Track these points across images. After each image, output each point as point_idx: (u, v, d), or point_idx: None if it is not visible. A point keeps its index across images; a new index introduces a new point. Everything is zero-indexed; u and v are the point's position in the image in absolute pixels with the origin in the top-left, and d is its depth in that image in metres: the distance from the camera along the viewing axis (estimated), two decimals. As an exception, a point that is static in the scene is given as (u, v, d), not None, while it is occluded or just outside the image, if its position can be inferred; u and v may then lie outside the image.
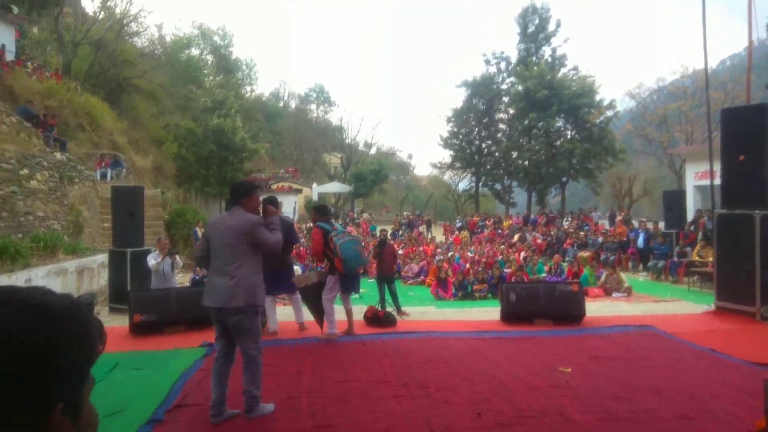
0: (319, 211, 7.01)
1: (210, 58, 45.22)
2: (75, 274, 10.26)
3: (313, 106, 60.96)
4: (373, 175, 40.50)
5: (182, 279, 12.27)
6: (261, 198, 7.29)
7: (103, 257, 10.71)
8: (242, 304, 4.03)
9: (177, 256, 9.05)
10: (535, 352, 6.02)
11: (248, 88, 50.34)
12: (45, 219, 12.35)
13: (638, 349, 6.14)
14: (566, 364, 5.43)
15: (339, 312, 6.93)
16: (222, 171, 29.24)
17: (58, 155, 14.53)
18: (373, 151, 54.03)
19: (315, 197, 41.30)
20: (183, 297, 7.54)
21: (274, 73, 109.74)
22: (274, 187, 36.64)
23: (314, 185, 42.47)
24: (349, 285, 6.83)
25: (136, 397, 4.68)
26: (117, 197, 9.85)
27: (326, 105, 60.52)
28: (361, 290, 13.75)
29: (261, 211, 4.40)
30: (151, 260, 8.72)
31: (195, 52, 42.99)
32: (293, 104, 61.25)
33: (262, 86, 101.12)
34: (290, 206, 33.89)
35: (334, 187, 42.98)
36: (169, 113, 32.03)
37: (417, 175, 62.06)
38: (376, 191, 44.23)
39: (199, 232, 19.45)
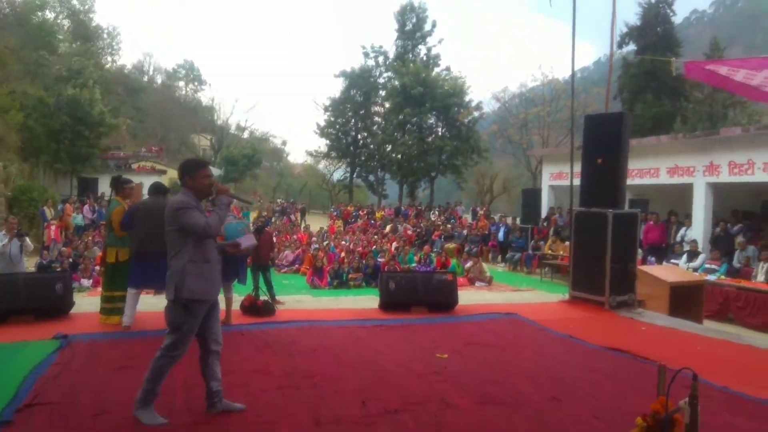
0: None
1: (67, 23, 40.74)
2: None
3: (182, 83, 57.58)
4: (245, 159, 39.23)
5: (28, 264, 10.94)
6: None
7: (-72, 237, 9.21)
8: (172, 297, 3.69)
9: (26, 238, 8.05)
10: (414, 339, 6.18)
11: (109, 59, 46.22)
12: None
13: (506, 335, 6.56)
14: (443, 350, 5.63)
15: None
16: (75, 146, 26.58)
17: None
18: (246, 135, 52.32)
19: (181, 179, 38.97)
20: (32, 283, 6.71)
21: (138, 44, 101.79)
22: (134, 166, 34.00)
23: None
24: (231, 272, 6.51)
25: (-24, 396, 4.07)
26: (-52, 168, 8.52)
27: (196, 83, 57.47)
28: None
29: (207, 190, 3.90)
30: (-4, 241, 7.67)
31: (50, 15, 38.50)
32: (159, 79, 57.33)
33: (125, 58, 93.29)
34: (153, 188, 31.66)
35: (202, 170, 40.89)
36: (15, 79, 28.38)
37: (291, 162, 61.06)
38: (249, 177, 42.89)
39: (48, 211, 17.51)
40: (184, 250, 3.71)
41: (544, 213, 19.33)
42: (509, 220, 19.66)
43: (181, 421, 3.75)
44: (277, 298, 9.09)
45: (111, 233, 6.62)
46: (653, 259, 13.55)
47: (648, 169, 15.96)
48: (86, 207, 20.24)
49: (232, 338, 6.02)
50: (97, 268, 13.06)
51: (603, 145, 8.05)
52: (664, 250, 14.24)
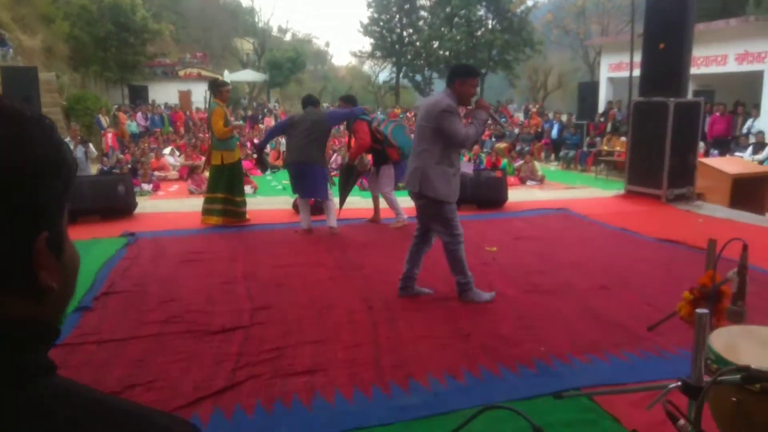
0: (349, 101, 6.57)
1: None
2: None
3: (221, -16, 55.98)
4: (289, 63, 38.60)
5: (92, 170, 11.46)
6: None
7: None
8: (417, 190, 3.83)
9: (90, 144, 8.40)
10: (464, 233, 6.22)
11: (148, -39, 45.14)
12: None
13: (556, 229, 6.53)
14: (492, 244, 5.68)
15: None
16: (122, 54, 26.70)
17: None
18: (288, 37, 51.16)
19: (228, 85, 39.03)
20: (97, 186, 7.08)
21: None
22: (181, 73, 34.15)
23: (226, 72, 39.92)
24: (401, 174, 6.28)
25: (58, 286, 4.43)
26: (8, 79, 8.82)
27: (235, -17, 55.71)
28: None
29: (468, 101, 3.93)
30: (60, 148, 8.03)
31: None
32: (198, -19, 55.87)
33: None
34: (200, 95, 31.91)
35: (247, 75, 40.72)
36: (55, -13, 28.23)
37: (335, 65, 59.73)
38: (293, 81, 42.45)
39: (103, 119, 18.00)
40: (433, 151, 3.78)
41: (601, 108, 18.47)
42: (564, 117, 18.90)
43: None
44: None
45: (214, 137, 6.51)
46: (716, 152, 12.91)
47: (715, 56, 14.82)
48: (139, 114, 20.69)
49: (285, 234, 6.25)
50: (156, 173, 13.59)
51: (665, 30, 7.44)
52: (729, 143, 13.52)
